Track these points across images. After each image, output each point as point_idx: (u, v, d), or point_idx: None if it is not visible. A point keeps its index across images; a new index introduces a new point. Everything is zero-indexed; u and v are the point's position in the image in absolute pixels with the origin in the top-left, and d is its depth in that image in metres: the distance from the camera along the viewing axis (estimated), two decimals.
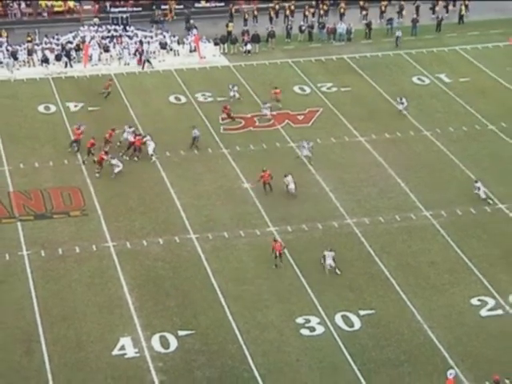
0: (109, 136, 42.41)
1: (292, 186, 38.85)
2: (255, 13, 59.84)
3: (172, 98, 49.00)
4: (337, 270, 33.93)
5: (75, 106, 47.56)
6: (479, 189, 38.76)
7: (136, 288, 33.15)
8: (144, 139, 42.27)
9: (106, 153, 40.50)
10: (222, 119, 44.77)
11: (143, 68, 52.65)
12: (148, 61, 53.06)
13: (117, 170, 40.16)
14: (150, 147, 41.91)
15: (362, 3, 61.14)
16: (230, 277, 33.93)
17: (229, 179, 40.73)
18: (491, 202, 38.59)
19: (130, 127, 43.01)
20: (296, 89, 50.49)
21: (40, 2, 59.74)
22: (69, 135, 44.16)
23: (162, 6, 60.41)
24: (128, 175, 40.42)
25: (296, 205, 38.31)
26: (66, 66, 52.46)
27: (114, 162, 40.30)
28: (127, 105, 47.92)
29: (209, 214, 37.99)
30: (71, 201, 38.65)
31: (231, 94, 48.15)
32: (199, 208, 38.40)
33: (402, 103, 46.84)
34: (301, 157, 42.07)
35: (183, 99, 48.96)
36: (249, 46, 55.06)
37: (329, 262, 33.90)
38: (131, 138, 42.26)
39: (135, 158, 41.75)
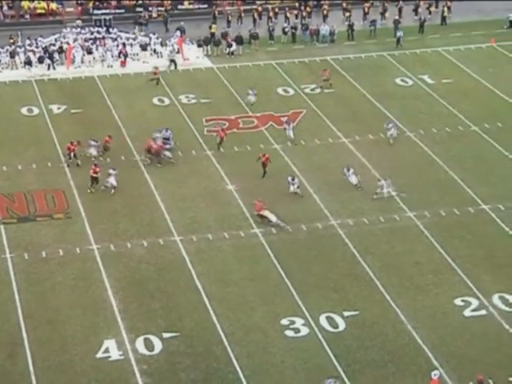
0: (105, 142, 42.08)
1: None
2: (242, 14, 59.94)
3: (155, 100, 49.04)
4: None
5: (58, 109, 47.47)
6: (382, 188, 38.99)
7: (120, 290, 33.13)
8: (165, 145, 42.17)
9: (96, 165, 39.37)
10: (219, 142, 43.19)
11: (175, 68, 52.11)
12: (173, 61, 52.64)
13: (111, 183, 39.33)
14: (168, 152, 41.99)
15: (344, 5, 61.47)
16: (214, 279, 33.97)
17: (213, 181, 40.76)
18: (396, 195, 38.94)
19: (94, 141, 42.36)
20: (279, 90, 50.63)
21: (22, 4, 59.60)
22: (52, 137, 44.14)
23: (149, 8, 60.37)
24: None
25: (280, 206, 38.39)
26: (48, 68, 52.42)
27: (111, 178, 39.25)
28: (110, 107, 47.89)
29: (193, 216, 37.99)
30: (55, 203, 38.57)
31: (250, 98, 47.51)
32: (183, 210, 38.41)
33: (389, 129, 44.02)
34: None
35: (167, 101, 49.00)
36: (234, 47, 55.16)
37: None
38: (94, 152, 41.66)
39: (158, 165, 41.47)
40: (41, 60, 52.62)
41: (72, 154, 41.22)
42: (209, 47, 55.79)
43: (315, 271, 34.50)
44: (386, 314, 32.27)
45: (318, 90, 50.34)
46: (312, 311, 32.19)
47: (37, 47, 53.48)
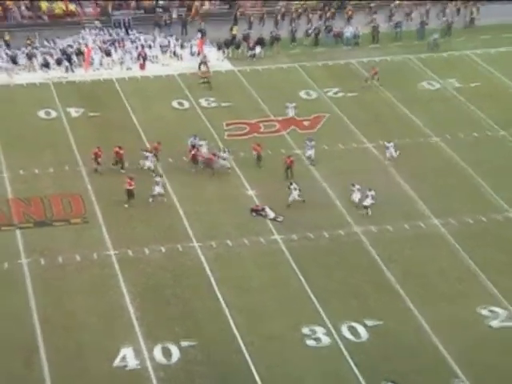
0: (155, 150, 41.83)
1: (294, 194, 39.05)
2: (264, 16, 60.16)
3: (175, 103, 49.31)
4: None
5: (76, 112, 47.80)
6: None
7: (137, 297, 33.35)
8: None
9: (132, 178, 38.84)
10: (258, 158, 42.23)
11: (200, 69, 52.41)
12: (205, 63, 52.92)
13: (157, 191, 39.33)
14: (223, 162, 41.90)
15: (369, 7, 61.49)
16: (233, 285, 34.11)
17: (233, 186, 40.95)
18: (367, 212, 38.45)
19: (148, 151, 41.88)
20: (302, 94, 50.81)
21: (40, 5, 60.01)
22: (69, 141, 44.50)
23: (171, 9, 60.60)
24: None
25: (302, 213, 38.53)
26: (66, 70, 52.78)
27: (158, 187, 39.00)
28: (129, 110, 48.19)
29: (212, 222, 38.17)
30: (72, 208, 38.88)
31: (288, 112, 47.25)
32: (202, 215, 38.58)
33: (387, 148, 42.90)
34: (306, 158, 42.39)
35: (186, 104, 49.26)
36: (257, 50, 55.34)
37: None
38: (150, 164, 41.28)
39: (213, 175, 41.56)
40: (59, 62, 53.07)
41: (99, 160, 41.08)
42: (230, 49, 56.08)
43: (337, 278, 34.61)
44: (410, 323, 32.29)
45: (342, 94, 50.52)
46: (333, 320, 32.28)
47: (54, 49, 54.02)
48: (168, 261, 35.59)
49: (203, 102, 49.43)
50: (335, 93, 50.83)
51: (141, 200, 39.42)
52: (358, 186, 39.04)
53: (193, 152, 41.96)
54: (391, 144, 43.01)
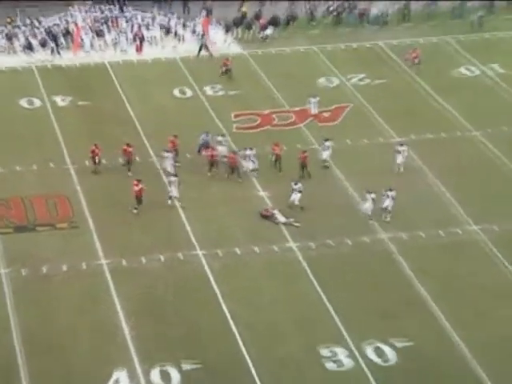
0: (172, 145, 41.85)
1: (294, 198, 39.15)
2: None
3: (176, 92, 49.41)
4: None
5: (63, 100, 47.96)
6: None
7: (133, 313, 33.32)
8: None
9: (139, 181, 38.73)
10: (276, 161, 41.88)
11: (197, 54, 52.35)
12: (205, 46, 53.07)
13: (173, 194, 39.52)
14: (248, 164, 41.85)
15: None
16: (242, 300, 34.12)
17: (242, 187, 41.02)
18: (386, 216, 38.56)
19: (168, 151, 41.56)
20: (322, 81, 50.89)
21: None
22: (56, 134, 44.59)
23: None
24: (124, 182, 40.48)
25: (321, 217, 38.58)
26: (52, 53, 52.88)
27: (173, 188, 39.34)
28: (123, 99, 48.29)
29: (218, 227, 38.26)
30: (57, 211, 38.94)
31: (311, 107, 47.06)
32: (207, 220, 38.68)
33: (399, 152, 41.91)
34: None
35: (189, 93, 49.38)
36: (269, 31, 55.44)
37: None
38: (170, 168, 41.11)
39: (240, 180, 41.33)
40: (43, 44, 53.19)
41: (97, 160, 41.16)
42: (239, 30, 56.13)
43: (361, 293, 34.56)
44: (444, 344, 32.24)
45: (368, 81, 50.53)
46: (357, 340, 32.25)
47: (38, 28, 54.06)
48: (168, 272, 35.63)
49: (208, 90, 49.55)
50: (360, 79, 50.93)
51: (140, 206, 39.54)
52: (373, 195, 38.36)
53: (209, 152, 41.56)
54: (404, 148, 42.21)
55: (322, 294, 34.50)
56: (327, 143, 42.52)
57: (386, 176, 41.07)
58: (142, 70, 51.89)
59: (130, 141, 42.62)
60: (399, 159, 41.95)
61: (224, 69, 50.75)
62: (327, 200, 39.57)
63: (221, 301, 34.03)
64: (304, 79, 50.07)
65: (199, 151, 42.60)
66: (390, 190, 38.54)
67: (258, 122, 46.25)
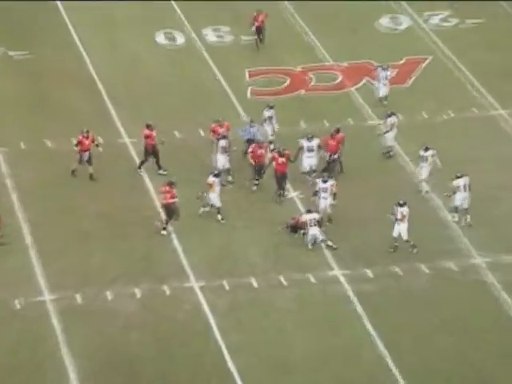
0: (215, 133, 41.96)
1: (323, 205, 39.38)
2: None
3: (161, 37, 50.25)
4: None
5: None
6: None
7: (92, 375, 33.19)
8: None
9: (171, 185, 39.13)
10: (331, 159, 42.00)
11: None
12: None
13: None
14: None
15: None
16: (259, 359, 33.95)
17: (260, 187, 41.41)
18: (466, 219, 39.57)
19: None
20: (384, 21, 51.71)
21: None
22: None
23: None
24: (86, 178, 41.07)
25: (382, 233, 38.57)
26: None
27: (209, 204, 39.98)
28: (80, 49, 49.03)
29: (224, 245, 38.45)
30: None
31: (380, 87, 46.53)
32: (207, 236, 38.96)
33: (424, 159, 41.47)
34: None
35: (180, 38, 50.30)
36: None
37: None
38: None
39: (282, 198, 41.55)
40: None
41: (86, 156, 41.31)
42: None
43: (445, 348, 34.25)
44: None
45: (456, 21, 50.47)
46: None
47: None
48: (147, 313, 35.62)
49: (210, 35, 50.40)
50: (443, 19, 51.47)
51: (102, 208, 40.04)
52: (405, 211, 38.26)
53: (257, 151, 41.36)
54: (431, 152, 41.56)
55: (382, 349, 34.26)
56: (391, 119, 42.54)
57: (482, 167, 41.53)
58: (109, 7, 52.33)
59: (91, 114, 43.52)
60: (424, 171, 41.31)
61: (255, 26, 49.90)
62: (385, 205, 39.24)
63: (227, 359, 33.82)
64: (356, 20, 50.20)
65: (246, 152, 42.32)
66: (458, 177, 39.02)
67: (286, 84, 46.66)
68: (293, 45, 49.31)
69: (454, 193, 39.11)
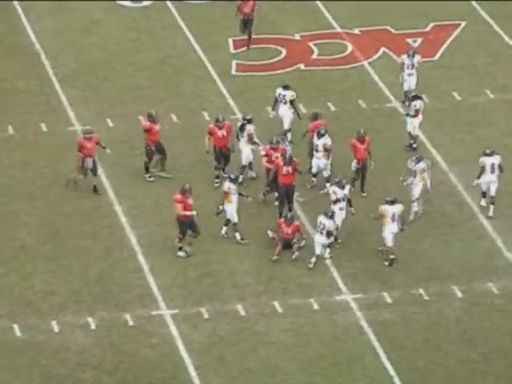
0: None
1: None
2: None
3: None
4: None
5: None
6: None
7: None
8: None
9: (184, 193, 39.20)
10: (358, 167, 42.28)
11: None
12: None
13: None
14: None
15: None
16: None
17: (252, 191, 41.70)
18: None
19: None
20: None
21: None
22: None
23: None
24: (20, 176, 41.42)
25: (403, 248, 38.88)
26: None
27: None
28: (19, 13, 49.54)
29: (202, 263, 38.68)
30: None
31: (408, 76, 46.62)
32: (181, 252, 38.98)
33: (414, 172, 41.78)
34: None
35: None
36: None
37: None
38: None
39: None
40: None
41: (89, 163, 41.70)
42: None
43: None
44: None
45: None
46: None
47: None
48: (103, 349, 35.68)
49: None
50: None
51: (49, 218, 40.40)
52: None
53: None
54: (422, 165, 41.57)
55: None
56: (416, 103, 42.86)
57: None
58: None
59: (33, 96, 43.84)
60: (416, 191, 41.47)
61: (242, 17, 49.81)
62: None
63: None
64: None
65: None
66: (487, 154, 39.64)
67: (282, 56, 47.11)
68: (290, 6, 49.38)
69: (480, 174, 39.66)
